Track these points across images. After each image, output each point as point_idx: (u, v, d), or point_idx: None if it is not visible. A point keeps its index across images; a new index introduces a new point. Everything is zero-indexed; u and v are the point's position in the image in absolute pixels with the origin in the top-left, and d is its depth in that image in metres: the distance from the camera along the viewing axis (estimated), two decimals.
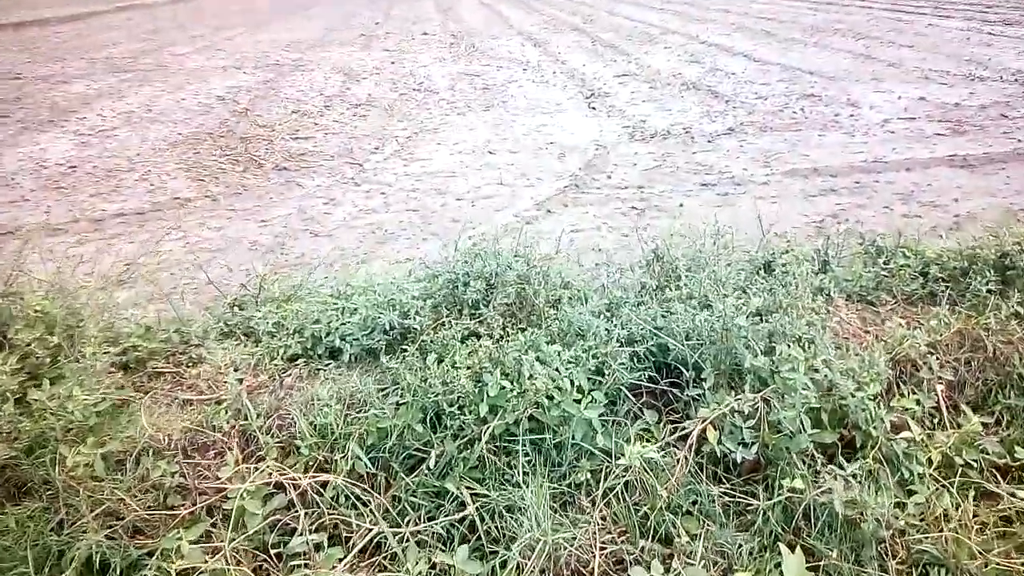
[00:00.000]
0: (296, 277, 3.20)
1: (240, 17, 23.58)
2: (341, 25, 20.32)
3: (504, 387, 2.16)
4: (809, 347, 2.37)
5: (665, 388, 2.47)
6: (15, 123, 8.86)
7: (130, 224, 5.39)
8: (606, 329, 2.48)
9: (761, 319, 2.45)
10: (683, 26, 17.14)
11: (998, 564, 2.01)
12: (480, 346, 2.28)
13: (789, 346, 2.29)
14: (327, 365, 2.58)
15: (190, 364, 2.62)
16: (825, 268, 3.29)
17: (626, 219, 5.15)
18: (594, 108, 8.98)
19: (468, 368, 2.20)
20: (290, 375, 2.54)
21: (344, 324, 2.61)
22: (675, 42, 14.63)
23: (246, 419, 2.27)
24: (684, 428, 2.27)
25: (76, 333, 2.55)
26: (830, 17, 17.86)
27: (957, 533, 2.06)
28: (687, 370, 2.41)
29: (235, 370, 2.52)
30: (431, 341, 2.40)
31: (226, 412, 2.30)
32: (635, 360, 2.47)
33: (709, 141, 7.23)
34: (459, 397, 2.18)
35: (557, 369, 2.32)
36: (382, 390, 2.34)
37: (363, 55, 14.27)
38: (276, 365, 2.56)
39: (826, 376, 2.27)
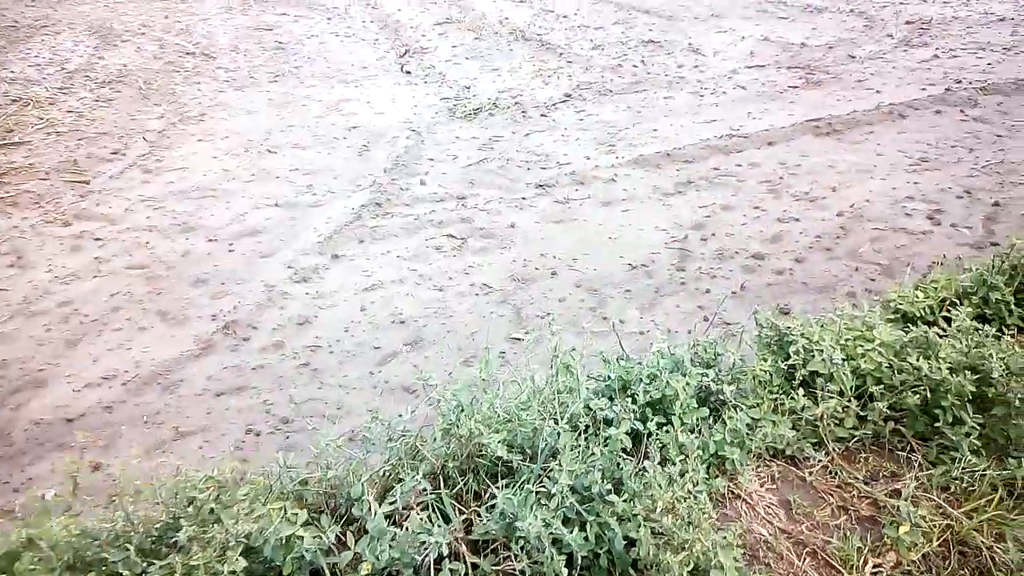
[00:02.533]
0: None
1: None
2: None
3: None
4: None
5: None
6: None
7: None
8: None
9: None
10: None
11: None
12: None
13: None
14: None
15: None
16: (710, 396, 2.17)
17: (441, 258, 3.83)
18: (408, 72, 7.43)
19: None
20: None
21: None
22: None
23: None
24: None
25: None
26: None
27: None
28: None
29: None
30: None
31: None
32: None
33: (543, 115, 5.99)
34: None
35: None
36: None
37: (132, 6, 11.60)
38: None
39: None
